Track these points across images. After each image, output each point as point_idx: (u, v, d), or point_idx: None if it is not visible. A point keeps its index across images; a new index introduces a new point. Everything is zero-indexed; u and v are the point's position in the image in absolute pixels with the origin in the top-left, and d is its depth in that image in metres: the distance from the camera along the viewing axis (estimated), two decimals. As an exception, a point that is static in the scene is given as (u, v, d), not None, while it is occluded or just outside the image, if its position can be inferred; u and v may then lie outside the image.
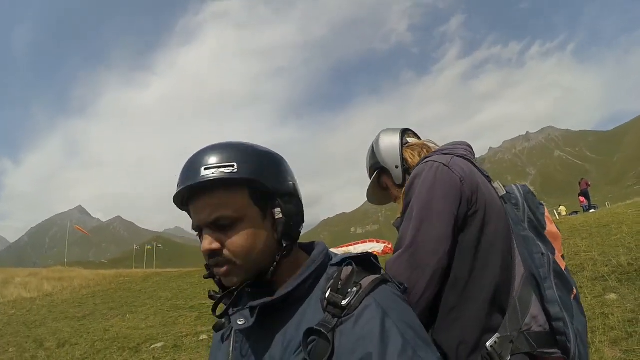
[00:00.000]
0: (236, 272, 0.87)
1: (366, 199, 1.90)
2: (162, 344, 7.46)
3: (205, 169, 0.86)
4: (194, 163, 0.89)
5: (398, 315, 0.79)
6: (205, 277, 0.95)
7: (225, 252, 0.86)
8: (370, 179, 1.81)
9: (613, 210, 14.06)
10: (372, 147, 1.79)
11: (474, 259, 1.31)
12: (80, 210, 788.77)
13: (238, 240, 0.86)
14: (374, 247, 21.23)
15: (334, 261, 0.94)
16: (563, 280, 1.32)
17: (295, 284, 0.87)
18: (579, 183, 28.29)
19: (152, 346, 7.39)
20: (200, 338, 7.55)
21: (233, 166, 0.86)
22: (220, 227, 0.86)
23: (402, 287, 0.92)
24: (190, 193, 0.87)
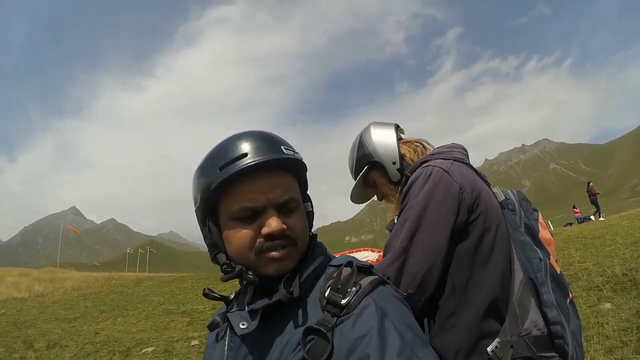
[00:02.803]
0: (294, 255, 0.87)
1: (356, 206, 1.81)
2: (152, 348, 7.42)
3: (285, 149, 0.87)
4: (273, 139, 0.89)
5: (397, 315, 0.78)
6: (223, 280, 0.90)
7: (290, 232, 0.85)
8: (358, 174, 1.71)
9: (607, 222, 14.13)
10: (361, 139, 1.69)
11: (472, 265, 1.29)
12: (74, 211, 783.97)
13: (299, 222, 0.89)
14: (369, 256, 20.94)
15: (332, 262, 0.93)
16: (559, 284, 1.33)
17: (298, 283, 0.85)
18: (588, 186, 25.44)
19: (143, 350, 7.35)
20: (192, 344, 7.51)
21: (299, 154, 0.92)
22: (287, 209, 0.87)
23: (407, 294, 0.91)
24: (259, 168, 0.84)
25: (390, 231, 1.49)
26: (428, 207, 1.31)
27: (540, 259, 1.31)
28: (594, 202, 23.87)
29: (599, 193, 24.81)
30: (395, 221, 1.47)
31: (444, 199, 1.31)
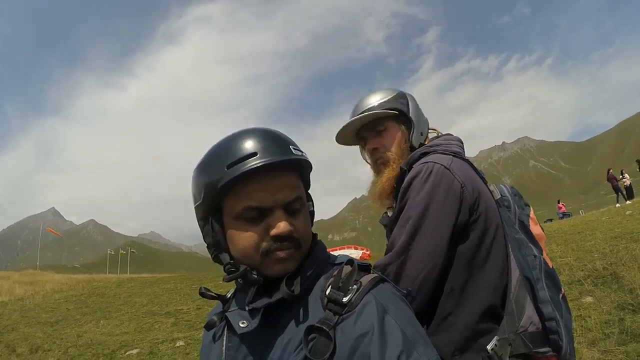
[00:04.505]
0: (297, 256, 0.86)
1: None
2: (137, 350, 7.34)
3: (294, 149, 0.87)
4: (281, 138, 0.88)
5: (398, 312, 0.79)
6: (226, 280, 0.87)
7: (296, 234, 0.85)
8: (373, 110, 1.50)
9: (587, 218, 14.41)
10: (406, 95, 1.55)
11: (471, 266, 1.28)
12: (54, 212, 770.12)
13: (304, 224, 0.89)
14: (353, 253, 21.30)
15: (332, 260, 0.93)
16: (552, 279, 1.33)
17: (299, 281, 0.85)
18: (607, 173, 23.86)
19: (127, 353, 7.26)
20: (177, 344, 7.43)
21: (305, 154, 0.91)
22: (293, 210, 0.86)
23: (406, 291, 0.91)
24: (268, 169, 0.82)
25: (384, 225, 1.47)
26: (430, 207, 1.27)
27: (535, 256, 1.31)
28: (615, 188, 22.79)
29: (618, 180, 23.34)
30: (389, 214, 1.45)
31: (445, 198, 1.27)
